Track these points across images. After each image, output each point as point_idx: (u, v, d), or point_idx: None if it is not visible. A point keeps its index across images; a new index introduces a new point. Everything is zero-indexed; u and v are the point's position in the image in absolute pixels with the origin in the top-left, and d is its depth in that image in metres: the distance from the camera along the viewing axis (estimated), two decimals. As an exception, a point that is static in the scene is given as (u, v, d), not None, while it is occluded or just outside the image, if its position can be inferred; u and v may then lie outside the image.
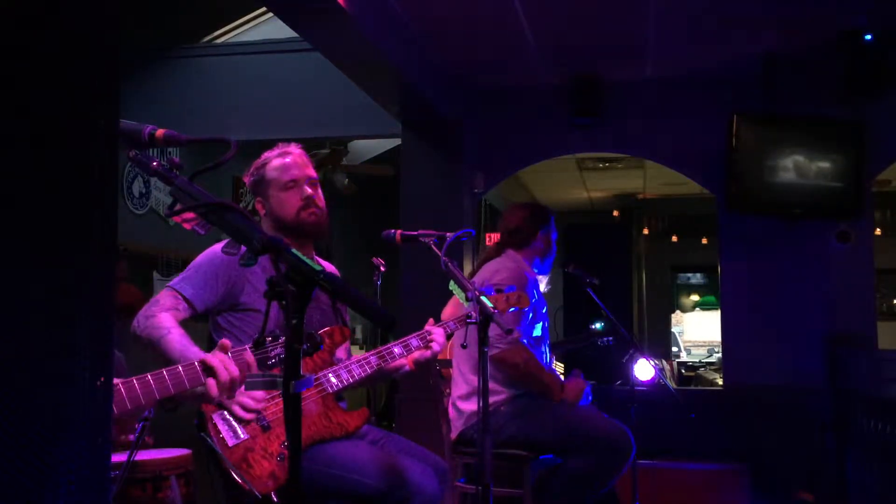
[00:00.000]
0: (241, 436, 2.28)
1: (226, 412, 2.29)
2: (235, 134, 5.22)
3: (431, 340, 2.62)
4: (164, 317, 2.32)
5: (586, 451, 3.21)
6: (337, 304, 2.73)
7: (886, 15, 4.30)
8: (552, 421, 3.29)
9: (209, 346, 2.50)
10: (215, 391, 1.75)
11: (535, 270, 3.62)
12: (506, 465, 3.28)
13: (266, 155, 2.68)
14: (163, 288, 2.46)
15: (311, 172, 2.66)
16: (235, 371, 1.78)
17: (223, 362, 1.77)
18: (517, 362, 3.29)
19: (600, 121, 5.22)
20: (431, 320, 2.73)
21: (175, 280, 2.48)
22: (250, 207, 2.83)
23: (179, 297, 2.41)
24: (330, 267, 2.66)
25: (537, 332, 3.53)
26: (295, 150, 2.68)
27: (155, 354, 2.30)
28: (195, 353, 2.21)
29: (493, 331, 3.08)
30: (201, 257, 2.51)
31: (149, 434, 2.39)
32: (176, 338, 2.28)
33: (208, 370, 1.76)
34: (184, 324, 2.39)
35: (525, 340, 3.35)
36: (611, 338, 3.96)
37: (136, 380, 1.67)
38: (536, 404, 3.34)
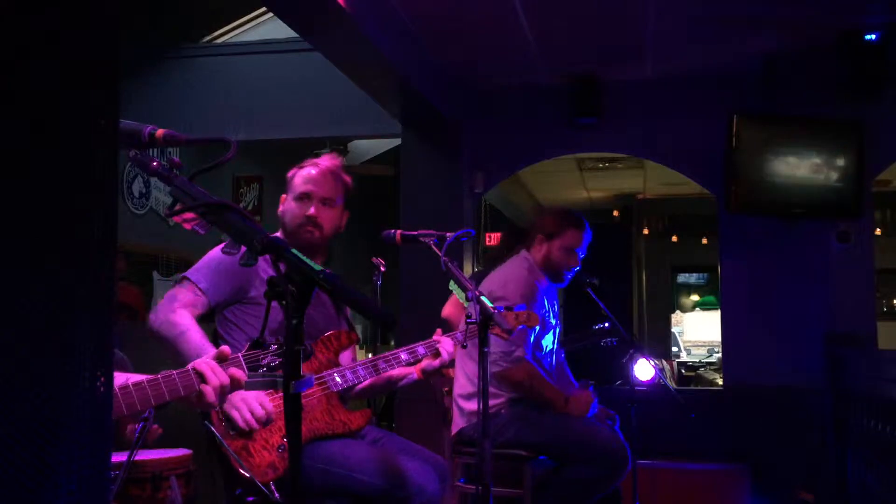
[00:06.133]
0: None
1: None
2: (235, 134, 5.23)
3: (438, 349, 2.61)
4: (182, 314, 2.32)
5: (583, 462, 3.21)
6: (341, 308, 2.73)
7: (887, 14, 4.30)
8: (551, 428, 3.29)
9: (214, 340, 2.51)
10: (212, 397, 1.75)
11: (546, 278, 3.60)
12: (506, 465, 3.28)
13: (308, 159, 2.68)
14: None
15: (327, 191, 2.61)
16: (225, 378, 1.77)
17: (212, 369, 1.77)
18: (520, 380, 3.28)
19: (600, 121, 5.23)
20: (439, 330, 2.69)
21: (190, 271, 2.46)
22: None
23: (197, 290, 2.40)
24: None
25: (547, 342, 3.51)
26: (326, 163, 2.65)
27: (171, 352, 2.30)
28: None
29: (497, 347, 3.07)
30: (214, 252, 2.49)
31: (153, 423, 2.40)
32: (194, 337, 2.27)
33: (200, 376, 1.76)
34: (199, 320, 2.38)
35: (529, 356, 3.34)
36: (614, 339, 3.95)
37: (133, 386, 1.67)
38: (537, 409, 3.34)
